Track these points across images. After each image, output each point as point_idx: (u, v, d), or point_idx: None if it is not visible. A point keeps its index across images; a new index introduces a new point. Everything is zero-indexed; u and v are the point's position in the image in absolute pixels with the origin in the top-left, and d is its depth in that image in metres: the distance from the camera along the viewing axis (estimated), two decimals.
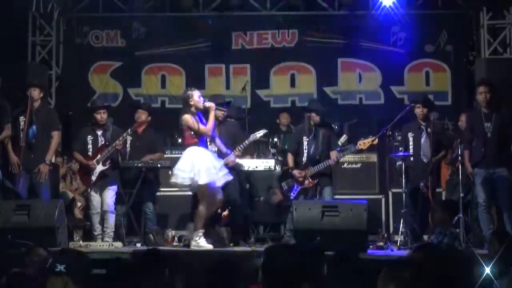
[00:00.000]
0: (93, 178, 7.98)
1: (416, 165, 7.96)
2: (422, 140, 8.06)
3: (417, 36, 10.80)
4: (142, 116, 8.62)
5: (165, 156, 8.77)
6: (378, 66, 10.87)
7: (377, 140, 7.89)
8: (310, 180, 7.86)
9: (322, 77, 10.98)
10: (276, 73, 11.01)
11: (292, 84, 11.03)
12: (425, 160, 8.00)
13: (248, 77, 10.76)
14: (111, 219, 7.96)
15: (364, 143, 7.83)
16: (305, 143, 8.04)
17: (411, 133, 8.15)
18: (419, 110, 8.10)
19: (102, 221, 7.99)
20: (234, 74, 11.05)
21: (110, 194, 8.00)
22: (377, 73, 10.89)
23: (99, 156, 7.99)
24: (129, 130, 7.98)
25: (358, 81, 10.97)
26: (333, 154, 7.94)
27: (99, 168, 7.98)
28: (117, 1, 10.92)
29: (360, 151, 8.29)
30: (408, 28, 10.79)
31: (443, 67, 10.87)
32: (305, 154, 7.98)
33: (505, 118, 7.50)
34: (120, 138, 7.92)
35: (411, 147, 8.12)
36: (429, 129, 7.94)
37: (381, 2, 10.34)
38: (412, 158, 8.01)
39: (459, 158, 7.79)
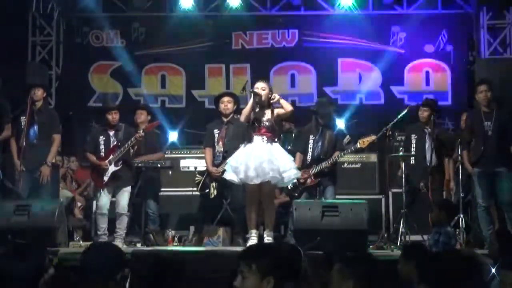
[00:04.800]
0: (105, 178, 7.87)
1: (418, 167, 7.94)
2: (427, 144, 8.07)
3: (417, 36, 10.80)
4: (142, 116, 8.62)
5: (166, 156, 8.78)
6: (378, 66, 10.87)
7: (375, 137, 7.88)
8: (313, 179, 7.88)
9: (322, 77, 11.00)
10: (276, 73, 11.01)
11: (292, 84, 11.04)
12: (428, 164, 8.01)
13: (248, 77, 10.75)
14: (124, 221, 7.86)
15: (363, 141, 7.84)
16: (311, 142, 8.04)
17: (414, 135, 8.17)
18: (426, 114, 8.11)
19: (107, 222, 7.94)
20: (234, 74, 11.05)
21: (126, 196, 7.88)
22: (377, 73, 10.90)
23: (111, 156, 7.91)
24: (141, 131, 7.94)
25: (358, 81, 10.99)
26: (335, 154, 7.96)
27: (112, 168, 7.84)
28: (117, 1, 10.93)
29: (361, 150, 8.29)
30: (408, 28, 10.80)
31: (443, 67, 10.87)
32: (310, 153, 7.99)
33: (505, 117, 7.50)
34: (132, 139, 7.87)
35: (413, 149, 8.13)
36: (430, 130, 7.96)
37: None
38: (413, 160, 8.00)
39: (459, 158, 7.81)
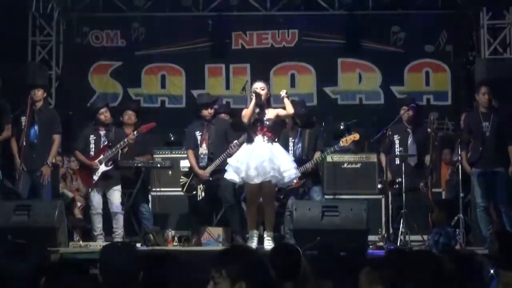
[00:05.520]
0: (95, 178, 7.92)
1: (403, 167, 7.90)
2: (409, 142, 8.06)
3: (417, 36, 10.81)
4: (132, 117, 8.59)
5: (166, 156, 8.77)
6: (378, 66, 10.88)
7: (358, 136, 7.86)
8: (297, 180, 7.80)
9: (322, 77, 11.00)
10: (276, 73, 11.01)
11: (292, 84, 11.04)
12: (411, 163, 7.99)
13: (248, 77, 10.75)
14: (120, 220, 7.91)
15: (346, 140, 7.83)
16: (291, 144, 8.01)
17: (396, 135, 8.12)
18: (409, 113, 8.09)
19: (103, 222, 7.94)
20: (234, 74, 11.06)
21: (117, 195, 7.93)
22: (377, 73, 10.90)
23: (101, 156, 7.92)
24: (135, 132, 7.94)
25: (358, 81, 10.99)
26: (316, 155, 7.94)
27: (102, 168, 7.89)
28: (117, 1, 10.94)
29: (360, 151, 8.28)
30: (408, 28, 10.80)
31: (443, 67, 10.88)
32: (291, 155, 7.89)
33: (503, 118, 7.51)
34: (126, 140, 7.87)
35: (396, 149, 8.10)
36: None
37: None
38: (397, 161, 7.98)
39: (459, 158, 7.81)
